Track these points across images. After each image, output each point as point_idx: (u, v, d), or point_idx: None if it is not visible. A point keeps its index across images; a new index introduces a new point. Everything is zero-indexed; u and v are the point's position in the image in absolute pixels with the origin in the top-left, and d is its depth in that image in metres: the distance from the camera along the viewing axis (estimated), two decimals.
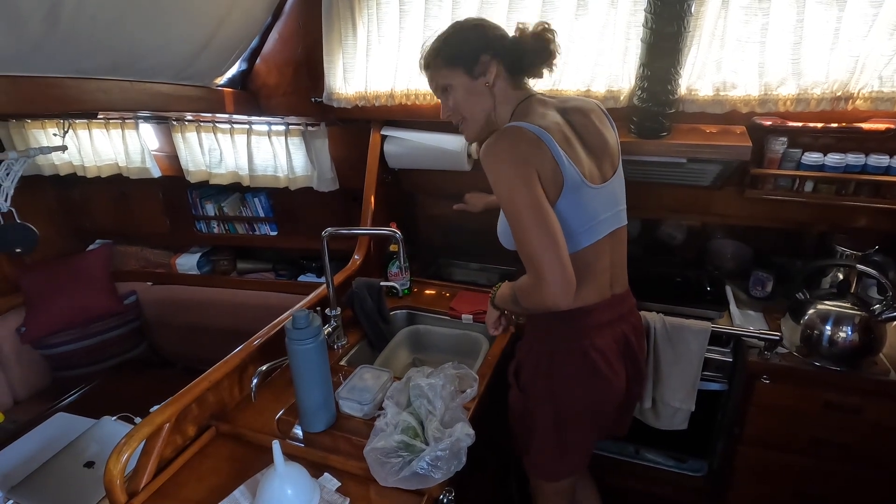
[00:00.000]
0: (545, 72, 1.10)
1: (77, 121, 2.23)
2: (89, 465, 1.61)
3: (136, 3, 1.22)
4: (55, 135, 2.12)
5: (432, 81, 1.15)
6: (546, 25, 1.06)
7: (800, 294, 1.49)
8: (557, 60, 1.09)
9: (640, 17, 1.36)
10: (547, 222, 0.93)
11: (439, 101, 1.16)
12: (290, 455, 1.05)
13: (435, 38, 1.12)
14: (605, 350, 1.13)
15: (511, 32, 1.10)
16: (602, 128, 1.11)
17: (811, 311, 1.42)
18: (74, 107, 1.28)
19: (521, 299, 1.05)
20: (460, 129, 1.17)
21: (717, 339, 1.50)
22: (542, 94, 1.13)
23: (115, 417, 1.80)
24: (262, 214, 2.41)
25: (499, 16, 1.53)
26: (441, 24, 1.56)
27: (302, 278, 2.43)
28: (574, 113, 1.09)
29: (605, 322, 1.14)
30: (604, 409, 1.18)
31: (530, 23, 1.08)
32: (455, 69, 1.08)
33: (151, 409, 1.64)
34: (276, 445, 0.92)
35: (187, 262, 2.57)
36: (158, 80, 1.50)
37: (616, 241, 1.13)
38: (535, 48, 1.06)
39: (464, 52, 1.07)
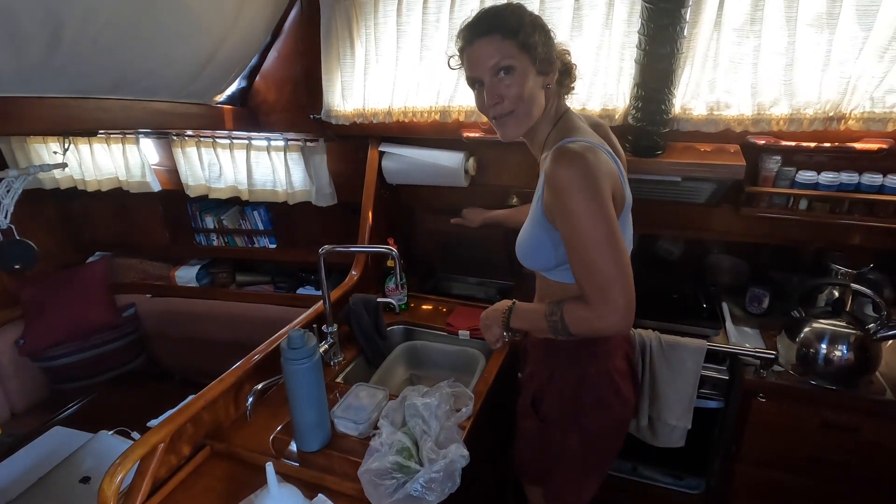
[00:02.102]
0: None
1: (78, 137, 2.25)
2: (85, 480, 1.61)
3: (138, 24, 1.24)
4: (55, 152, 2.14)
5: (494, 56, 0.96)
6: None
7: (795, 312, 1.49)
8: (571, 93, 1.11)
9: (634, 38, 1.38)
10: (620, 248, 0.89)
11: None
12: (284, 475, 1.06)
13: (517, 7, 0.99)
14: (622, 371, 1.14)
15: None
16: (616, 145, 1.14)
17: (806, 330, 1.42)
18: (76, 126, 1.30)
19: (572, 325, 0.96)
20: (498, 122, 1.03)
21: (713, 356, 1.50)
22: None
23: (111, 432, 1.80)
24: (261, 227, 2.42)
25: None
26: (438, 45, 1.60)
27: (301, 291, 2.44)
28: (598, 129, 1.11)
29: (619, 343, 1.15)
30: (625, 429, 1.19)
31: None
32: (527, 55, 0.96)
33: (149, 424, 1.64)
34: (269, 468, 0.92)
35: (186, 275, 2.58)
36: (159, 98, 1.52)
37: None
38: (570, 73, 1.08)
39: (544, 41, 0.98)
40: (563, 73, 1.06)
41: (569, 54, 1.09)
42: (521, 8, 0.99)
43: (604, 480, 1.27)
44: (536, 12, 1.46)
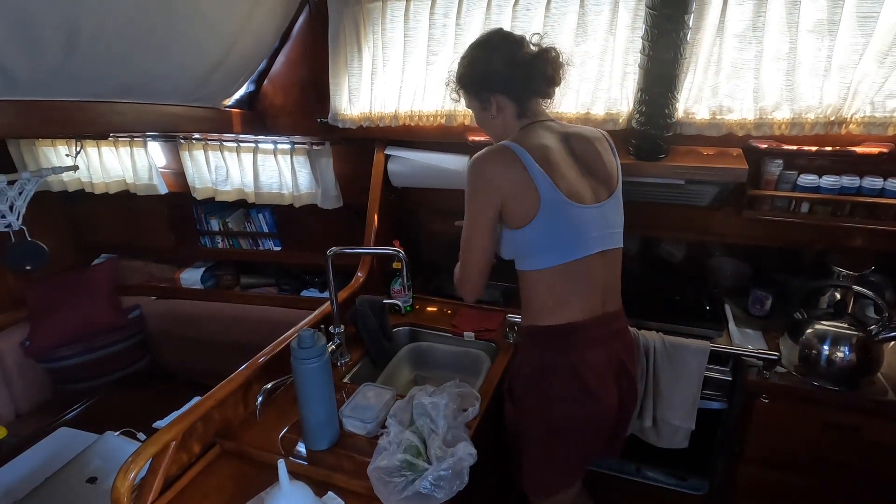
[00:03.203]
0: (554, 91, 1.19)
1: (87, 140, 2.28)
2: (92, 480, 1.62)
3: (152, 29, 1.27)
4: (67, 155, 2.16)
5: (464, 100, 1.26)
6: (554, 50, 1.15)
7: (798, 314, 1.51)
8: (562, 83, 1.18)
9: (638, 43, 1.40)
10: (481, 241, 1.13)
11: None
12: (293, 473, 1.07)
13: (457, 63, 1.21)
14: (596, 367, 1.14)
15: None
16: (604, 154, 1.18)
17: (809, 331, 1.44)
18: (89, 129, 1.32)
19: (454, 278, 1.25)
20: None
21: (716, 357, 1.52)
22: (551, 119, 1.20)
23: (117, 432, 1.81)
24: (266, 230, 2.44)
25: None
26: (444, 49, 1.63)
27: (305, 293, 2.45)
28: (575, 138, 1.16)
29: (597, 339, 1.16)
30: (594, 426, 1.19)
31: (541, 42, 1.16)
32: (470, 99, 1.22)
33: (154, 425, 1.66)
34: (281, 465, 0.93)
35: (191, 277, 2.59)
36: (170, 102, 1.54)
37: (609, 261, 1.17)
38: (539, 73, 1.14)
39: (471, 89, 1.19)
40: (519, 91, 1.15)
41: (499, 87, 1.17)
42: (459, 61, 1.21)
43: (600, 481, 1.28)
44: (542, 18, 1.51)
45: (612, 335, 1.20)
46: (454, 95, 1.25)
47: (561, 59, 1.16)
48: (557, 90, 1.20)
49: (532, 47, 1.15)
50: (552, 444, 1.19)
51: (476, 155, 1.10)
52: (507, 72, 1.13)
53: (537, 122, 1.16)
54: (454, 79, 1.21)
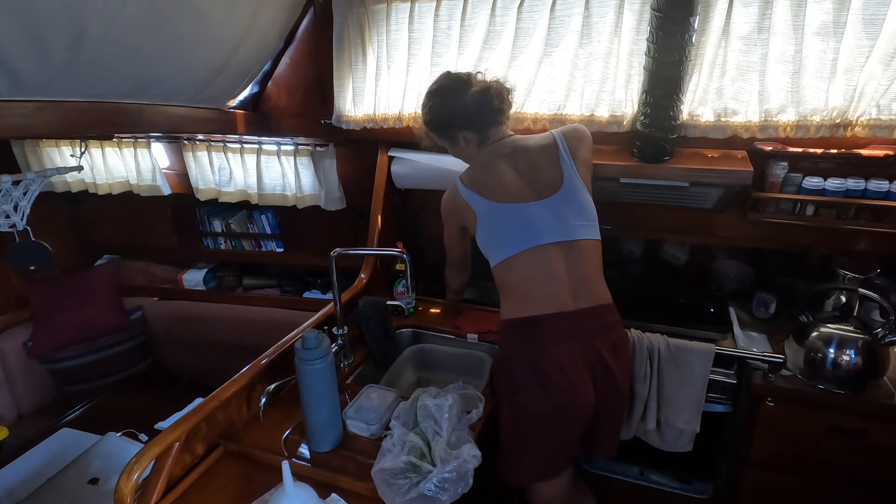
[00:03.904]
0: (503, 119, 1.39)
1: (91, 140, 2.28)
2: (94, 481, 1.62)
3: (156, 30, 1.27)
4: (71, 155, 2.17)
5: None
6: (496, 83, 1.36)
7: (803, 317, 1.50)
8: (511, 107, 1.40)
9: (643, 45, 1.40)
10: (452, 251, 1.58)
11: None
12: (297, 475, 1.06)
13: (422, 110, 1.43)
14: (562, 361, 1.18)
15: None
16: (548, 160, 1.32)
17: (814, 334, 1.43)
18: (94, 130, 1.32)
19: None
20: None
21: (720, 360, 1.51)
22: (506, 137, 1.39)
23: (119, 434, 1.80)
24: (268, 231, 2.44)
25: (505, 45, 1.58)
26: (449, 51, 1.63)
27: (307, 295, 2.45)
28: (520, 151, 1.35)
29: (567, 334, 1.20)
30: (561, 420, 1.23)
31: (485, 77, 1.37)
32: (441, 139, 1.45)
33: (156, 426, 1.65)
34: (285, 466, 0.93)
35: (194, 278, 2.59)
36: (174, 103, 1.54)
37: (573, 254, 1.24)
38: (487, 107, 1.33)
39: (440, 130, 1.43)
40: (479, 124, 1.37)
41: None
42: (423, 110, 1.43)
43: (603, 483, 1.30)
44: (547, 20, 1.51)
45: (591, 331, 1.23)
46: (427, 142, 1.52)
47: (505, 87, 1.36)
48: (544, 90, 1.53)
49: (479, 83, 1.34)
50: (521, 433, 1.26)
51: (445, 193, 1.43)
52: (465, 110, 1.33)
53: (493, 144, 1.37)
54: (425, 124, 1.44)
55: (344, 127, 1.85)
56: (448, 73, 1.41)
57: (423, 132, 1.49)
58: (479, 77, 1.37)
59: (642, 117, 1.47)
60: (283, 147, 2.10)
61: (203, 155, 2.22)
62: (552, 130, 1.40)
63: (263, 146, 2.12)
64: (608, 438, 1.37)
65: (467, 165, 1.43)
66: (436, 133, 1.44)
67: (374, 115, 1.80)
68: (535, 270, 1.24)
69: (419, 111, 1.75)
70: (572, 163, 1.32)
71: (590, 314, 1.24)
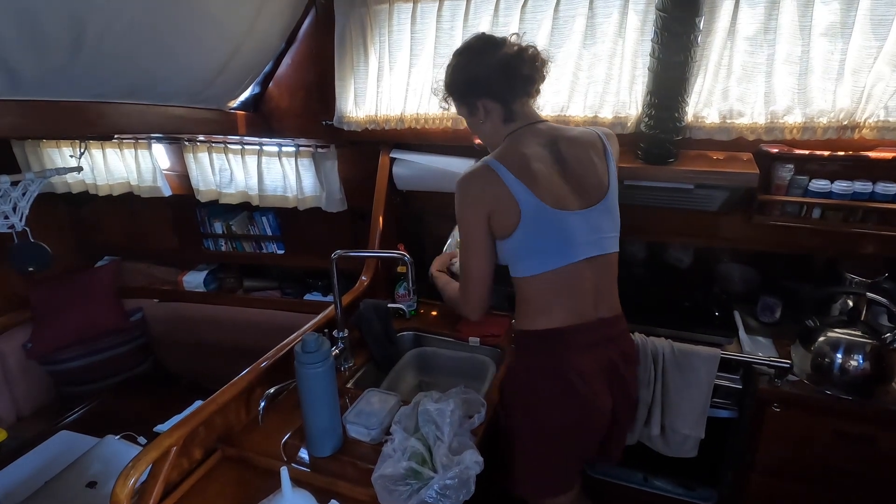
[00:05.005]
0: (539, 91, 1.19)
1: (91, 141, 2.27)
2: (91, 485, 1.60)
3: (156, 30, 1.26)
4: (71, 156, 2.16)
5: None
6: (532, 48, 1.14)
7: (809, 321, 1.48)
8: (545, 81, 1.18)
9: (648, 46, 1.39)
10: (480, 256, 1.13)
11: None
12: (296, 480, 1.04)
13: (443, 73, 1.22)
14: (585, 372, 1.14)
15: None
16: (596, 159, 1.16)
17: (821, 339, 1.41)
18: (93, 130, 1.31)
19: (444, 295, 1.37)
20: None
21: (726, 365, 1.49)
22: (541, 122, 1.17)
23: (118, 436, 1.79)
24: (269, 233, 2.42)
25: None
26: (452, 52, 1.62)
27: (308, 297, 2.44)
28: (564, 142, 1.14)
29: (588, 344, 1.15)
30: (583, 430, 1.19)
31: (521, 41, 1.14)
32: (459, 108, 1.23)
33: (156, 429, 1.64)
34: (284, 472, 0.91)
35: (194, 280, 2.58)
36: (174, 103, 1.53)
37: (601, 266, 1.16)
38: (517, 72, 1.12)
39: (458, 95, 1.20)
40: (504, 93, 1.14)
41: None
42: (445, 70, 1.21)
43: (607, 490, 1.28)
44: (550, 21, 1.50)
45: (607, 340, 1.19)
46: (444, 104, 1.26)
47: (541, 57, 1.15)
48: (548, 91, 1.26)
49: (512, 46, 1.13)
50: (541, 447, 1.20)
51: (460, 176, 1.12)
52: (489, 74, 1.12)
53: (526, 127, 1.15)
54: (442, 87, 1.22)
55: (345, 128, 1.84)
56: (482, 33, 1.21)
57: (443, 95, 1.25)
58: (515, 39, 1.15)
59: (647, 119, 1.45)
60: (284, 148, 2.09)
61: (204, 156, 2.21)
62: (588, 127, 1.26)
63: (264, 147, 2.11)
64: (617, 446, 1.34)
65: (471, 164, 1.35)
66: (454, 97, 1.22)
67: (376, 116, 1.79)
68: (563, 285, 1.13)
69: (421, 112, 1.75)
70: (614, 166, 1.19)
71: (607, 324, 1.19)
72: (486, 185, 1.08)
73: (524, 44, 1.14)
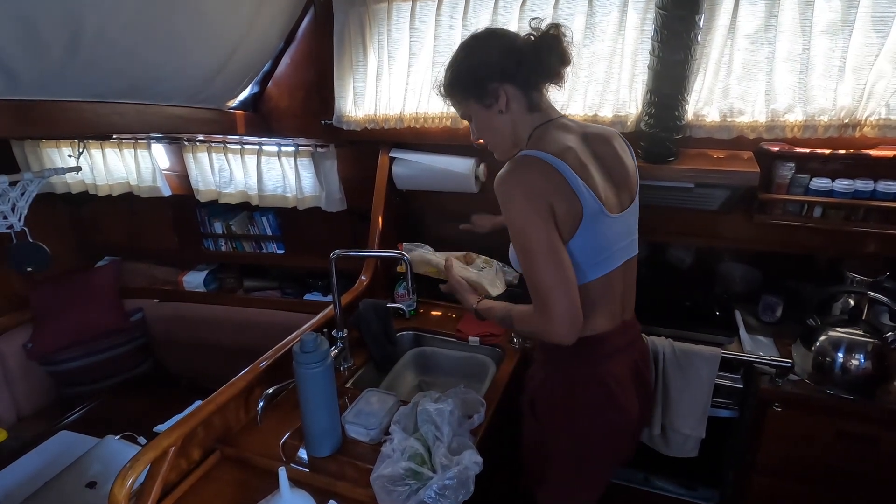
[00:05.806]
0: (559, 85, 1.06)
1: (91, 141, 2.27)
2: (91, 485, 1.60)
3: (154, 30, 1.25)
4: (70, 156, 2.16)
5: (459, 111, 1.12)
6: (559, 27, 1.00)
7: (811, 320, 1.47)
8: (572, 63, 1.04)
9: (648, 44, 1.38)
10: (558, 259, 0.92)
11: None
12: (295, 480, 1.05)
13: (446, 65, 1.08)
14: (620, 377, 1.11)
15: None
16: (624, 157, 1.09)
17: (823, 338, 1.40)
18: (91, 130, 1.30)
19: (518, 324, 1.07)
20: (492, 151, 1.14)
21: (727, 365, 1.48)
22: (565, 118, 1.09)
23: (118, 437, 1.79)
24: (269, 233, 2.42)
25: None
26: (451, 50, 1.61)
27: (308, 297, 2.43)
28: (596, 140, 1.05)
29: (619, 349, 1.12)
30: (622, 437, 1.16)
31: (543, 22, 1.01)
32: (468, 100, 1.06)
33: (155, 429, 1.64)
34: (282, 473, 0.91)
35: (194, 280, 2.58)
36: (173, 103, 1.53)
37: (628, 269, 1.12)
38: (547, 55, 1.00)
39: (471, 82, 1.03)
40: (526, 77, 1.01)
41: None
42: (450, 61, 1.07)
43: (608, 489, 1.26)
44: (550, 19, 1.48)
45: (630, 343, 1.16)
46: (449, 101, 1.11)
47: (564, 36, 1.01)
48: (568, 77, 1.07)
49: (533, 33, 1.01)
50: (582, 459, 1.15)
51: (500, 173, 0.95)
52: (511, 55, 0.99)
53: (551, 122, 1.03)
54: (448, 82, 1.07)
55: (345, 127, 1.83)
56: (490, 27, 1.11)
57: (448, 92, 1.09)
58: (534, 24, 1.01)
59: (647, 117, 1.45)
60: (283, 148, 2.08)
61: (203, 156, 2.20)
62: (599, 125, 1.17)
63: (264, 147, 2.11)
64: (634, 448, 1.30)
65: (471, 164, 1.30)
66: (464, 90, 1.05)
67: (375, 115, 1.79)
68: (603, 293, 1.04)
69: (420, 111, 1.74)
70: (637, 163, 1.13)
71: (630, 325, 1.16)
72: (549, 175, 0.92)
73: (544, 26, 1.01)
